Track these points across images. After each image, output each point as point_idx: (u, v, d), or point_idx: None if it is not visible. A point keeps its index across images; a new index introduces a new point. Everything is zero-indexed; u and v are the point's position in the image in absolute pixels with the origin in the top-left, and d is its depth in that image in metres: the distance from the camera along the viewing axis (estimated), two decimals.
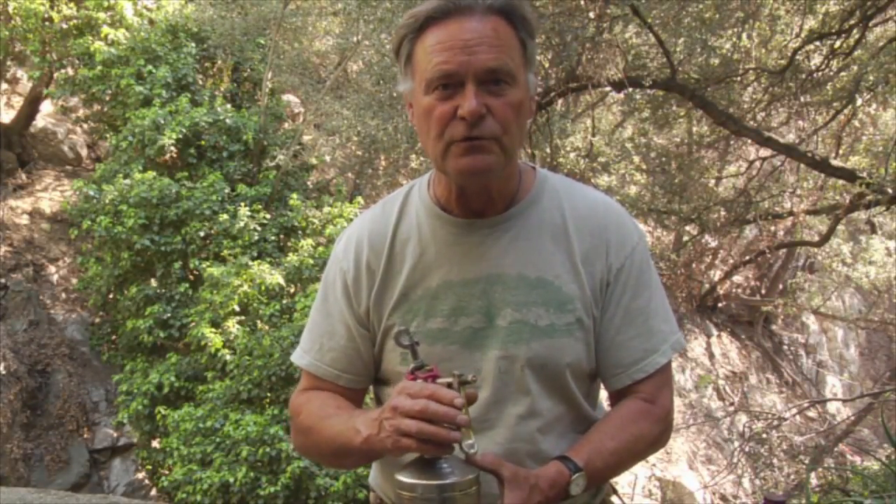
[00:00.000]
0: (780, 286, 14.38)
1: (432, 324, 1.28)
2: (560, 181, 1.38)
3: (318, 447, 1.34)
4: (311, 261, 8.18)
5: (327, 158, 11.32)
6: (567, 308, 1.28)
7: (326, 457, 1.37)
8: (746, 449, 9.50)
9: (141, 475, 8.52)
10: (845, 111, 7.89)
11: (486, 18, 1.18)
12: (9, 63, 10.41)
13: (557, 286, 1.28)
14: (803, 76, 6.81)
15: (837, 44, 6.59)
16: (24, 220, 9.90)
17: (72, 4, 9.59)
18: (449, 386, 1.11)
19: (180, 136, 8.79)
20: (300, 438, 1.39)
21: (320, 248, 8.39)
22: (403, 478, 1.12)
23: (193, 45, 9.84)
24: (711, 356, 13.59)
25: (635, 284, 1.31)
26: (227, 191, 8.86)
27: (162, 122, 8.81)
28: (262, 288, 7.94)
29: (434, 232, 1.32)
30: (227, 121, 9.27)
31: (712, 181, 10.47)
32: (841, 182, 8.32)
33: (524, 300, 1.27)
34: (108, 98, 9.64)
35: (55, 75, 9.83)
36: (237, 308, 7.86)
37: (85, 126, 10.90)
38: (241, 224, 8.47)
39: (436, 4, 1.19)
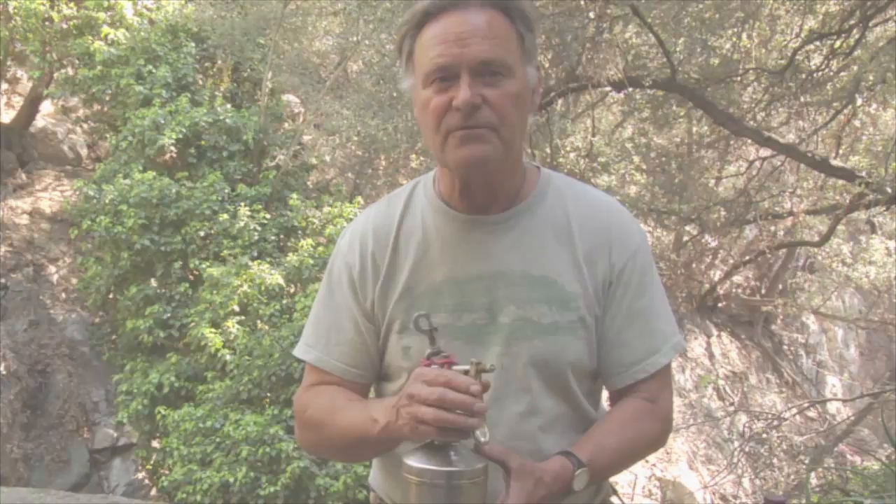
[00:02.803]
0: (780, 286, 14.36)
1: (436, 319, 1.26)
2: (564, 181, 1.39)
3: (331, 441, 1.34)
4: (311, 261, 8.17)
5: (327, 158, 11.31)
6: (570, 306, 1.28)
7: (340, 450, 1.37)
8: (746, 449, 9.51)
9: (141, 475, 8.52)
10: (845, 111, 7.88)
11: (482, 11, 1.20)
12: (9, 63, 10.40)
13: (561, 284, 1.29)
14: (803, 76, 6.81)
15: (837, 44, 6.59)
16: (24, 220, 9.89)
17: (72, 4, 9.58)
18: (465, 373, 1.11)
19: (180, 136, 8.78)
20: (309, 434, 1.38)
21: (320, 248, 8.38)
22: (412, 462, 1.11)
23: (193, 45, 9.83)
24: (711, 356, 13.58)
25: (638, 285, 1.32)
26: (227, 191, 8.86)
27: (162, 122, 8.80)
28: (262, 288, 7.93)
29: (439, 228, 1.32)
30: (227, 121, 9.25)
31: (712, 181, 10.46)
32: (841, 182, 8.33)
33: (527, 297, 1.28)
34: (108, 98, 9.63)
35: (55, 75, 9.82)
36: (237, 308, 7.86)
37: (85, 126, 10.89)
38: (241, 224, 8.46)
39: (432, 0, 1.21)
